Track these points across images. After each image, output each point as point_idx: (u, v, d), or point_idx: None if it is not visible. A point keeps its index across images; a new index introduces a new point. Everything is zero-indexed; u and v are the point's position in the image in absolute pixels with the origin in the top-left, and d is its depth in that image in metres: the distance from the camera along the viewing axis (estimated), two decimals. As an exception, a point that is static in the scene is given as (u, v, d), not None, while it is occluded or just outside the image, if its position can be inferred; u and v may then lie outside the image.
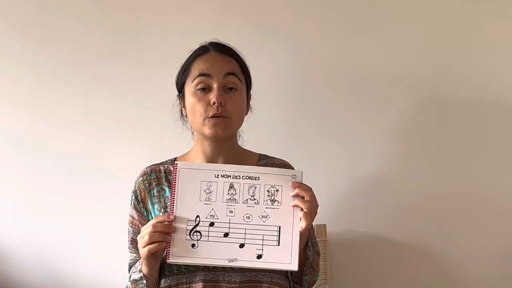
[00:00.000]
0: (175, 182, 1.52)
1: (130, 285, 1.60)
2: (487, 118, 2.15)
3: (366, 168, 2.16)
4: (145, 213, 1.68)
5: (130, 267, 1.68)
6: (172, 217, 1.50)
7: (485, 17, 2.16)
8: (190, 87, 1.63)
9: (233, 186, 1.53)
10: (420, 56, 2.17)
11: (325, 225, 2.09)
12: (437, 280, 2.14)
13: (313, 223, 1.62)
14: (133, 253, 1.69)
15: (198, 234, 1.50)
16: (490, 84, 2.15)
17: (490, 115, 2.15)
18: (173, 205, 1.52)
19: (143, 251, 1.49)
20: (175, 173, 1.53)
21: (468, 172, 2.15)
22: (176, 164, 1.54)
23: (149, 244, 1.47)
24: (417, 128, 2.16)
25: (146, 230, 1.49)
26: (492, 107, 2.15)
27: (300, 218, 1.48)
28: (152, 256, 1.50)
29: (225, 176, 1.53)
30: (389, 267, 2.15)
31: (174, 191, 1.52)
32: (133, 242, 1.68)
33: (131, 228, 1.69)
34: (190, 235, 1.50)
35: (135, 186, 1.69)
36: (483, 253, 2.12)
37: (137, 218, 1.68)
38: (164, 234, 1.48)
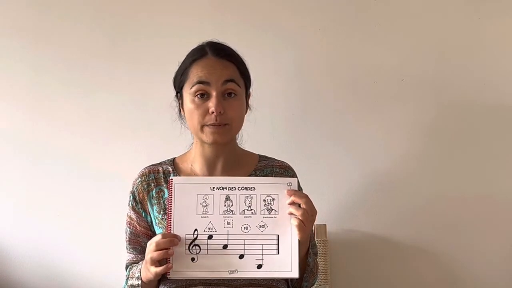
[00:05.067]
0: (171, 197, 1.52)
1: None
2: (487, 119, 2.14)
3: (365, 168, 2.16)
4: (143, 214, 1.67)
5: (127, 267, 1.68)
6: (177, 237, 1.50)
7: (485, 17, 2.16)
8: (188, 92, 1.61)
9: (229, 197, 1.52)
10: (420, 56, 2.17)
11: (325, 225, 2.09)
12: (437, 280, 2.14)
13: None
14: (130, 253, 1.69)
15: (197, 247, 1.49)
16: (491, 84, 2.15)
17: (491, 115, 2.14)
18: (170, 220, 1.51)
19: (152, 271, 1.48)
20: (171, 188, 1.53)
21: (468, 172, 2.15)
22: (171, 179, 1.54)
23: (157, 266, 1.48)
24: (417, 128, 2.16)
25: (147, 249, 1.50)
26: (493, 108, 2.14)
27: (296, 226, 1.48)
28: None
29: (221, 188, 1.52)
30: (389, 267, 2.15)
31: (171, 206, 1.52)
32: (131, 243, 1.68)
33: (128, 229, 1.69)
34: (189, 249, 1.49)
35: (133, 187, 1.68)
36: (484, 254, 2.13)
37: (135, 219, 1.67)
38: (166, 252, 1.47)
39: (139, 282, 1.56)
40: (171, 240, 1.47)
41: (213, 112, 1.56)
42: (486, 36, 2.16)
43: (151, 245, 1.48)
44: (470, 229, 2.14)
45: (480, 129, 2.15)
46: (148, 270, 1.51)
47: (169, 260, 1.47)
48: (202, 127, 1.59)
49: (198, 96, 1.59)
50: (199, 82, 1.58)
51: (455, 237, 2.14)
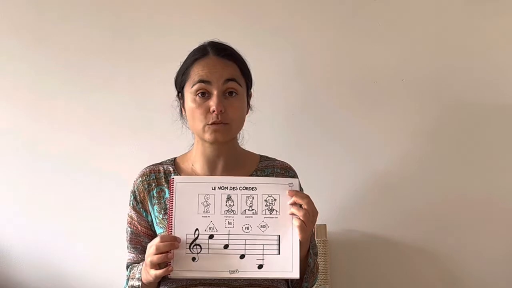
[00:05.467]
0: (172, 197, 1.52)
1: None
2: (487, 119, 2.15)
3: (365, 168, 2.16)
4: (144, 214, 1.67)
5: (128, 267, 1.68)
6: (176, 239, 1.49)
7: (485, 17, 2.16)
8: (189, 92, 1.61)
9: (230, 197, 1.52)
10: (420, 56, 2.17)
11: (325, 225, 2.09)
12: (437, 280, 2.14)
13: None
14: (131, 253, 1.69)
15: (198, 247, 1.49)
16: (491, 84, 2.15)
17: (491, 115, 2.15)
18: (171, 220, 1.51)
19: (152, 274, 1.48)
20: (172, 187, 1.52)
21: (468, 172, 2.15)
22: (173, 178, 1.53)
23: (157, 268, 1.47)
24: (417, 128, 2.16)
25: (148, 251, 1.49)
26: (493, 108, 2.15)
27: (297, 227, 1.48)
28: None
29: (222, 188, 1.52)
30: (389, 267, 2.15)
31: (172, 206, 1.51)
32: (132, 242, 1.68)
33: (129, 229, 1.68)
34: (190, 248, 1.49)
35: (134, 186, 1.68)
36: (484, 254, 2.13)
37: (135, 218, 1.67)
38: (166, 256, 1.47)
39: (140, 283, 1.56)
40: (171, 243, 1.47)
41: (214, 111, 1.56)
42: (487, 36, 2.16)
43: (151, 248, 1.48)
44: (470, 229, 2.14)
45: (480, 129, 2.15)
46: (148, 273, 1.50)
47: (170, 263, 1.47)
48: (203, 126, 1.59)
49: (199, 95, 1.59)
50: (200, 81, 1.58)
51: (455, 237, 2.14)
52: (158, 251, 1.46)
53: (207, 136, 1.59)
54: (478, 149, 2.15)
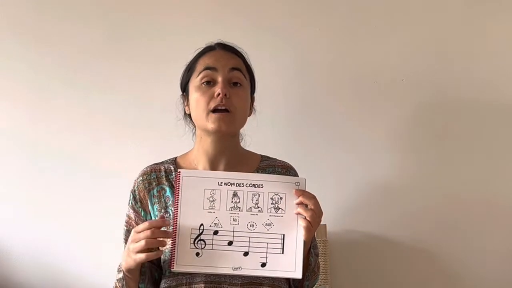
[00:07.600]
0: (178, 190, 1.52)
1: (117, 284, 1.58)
2: (488, 119, 2.15)
3: (365, 168, 2.16)
4: (142, 213, 1.67)
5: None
6: (167, 223, 1.50)
7: (485, 16, 2.17)
8: (194, 82, 1.63)
9: (236, 194, 1.52)
10: (420, 56, 2.17)
11: (325, 225, 2.09)
12: (437, 280, 2.14)
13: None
14: None
15: (202, 242, 1.50)
16: (491, 84, 2.15)
17: (491, 115, 2.15)
18: (176, 214, 1.51)
19: (138, 257, 1.45)
20: (178, 181, 1.52)
21: (468, 172, 2.15)
22: (179, 172, 1.54)
23: (146, 251, 1.45)
24: (417, 128, 2.16)
25: (143, 235, 1.45)
26: (494, 108, 2.15)
27: (303, 227, 1.48)
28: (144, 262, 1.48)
29: (229, 184, 1.52)
30: (389, 267, 2.15)
31: (178, 199, 1.52)
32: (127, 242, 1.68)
33: (125, 228, 1.68)
34: (194, 243, 1.50)
35: (134, 185, 1.68)
36: (484, 254, 2.13)
37: (133, 218, 1.67)
38: (162, 241, 1.46)
39: (121, 275, 1.54)
40: (166, 232, 1.47)
41: (219, 95, 1.57)
42: (487, 36, 2.16)
43: (143, 232, 1.45)
44: (469, 230, 2.14)
45: (480, 129, 2.15)
46: (130, 257, 1.47)
47: (173, 258, 1.48)
48: (207, 113, 1.59)
49: (205, 83, 1.61)
50: (206, 68, 1.62)
51: (455, 237, 2.14)
52: (153, 235, 1.44)
53: (210, 125, 1.59)
54: (478, 149, 2.15)
